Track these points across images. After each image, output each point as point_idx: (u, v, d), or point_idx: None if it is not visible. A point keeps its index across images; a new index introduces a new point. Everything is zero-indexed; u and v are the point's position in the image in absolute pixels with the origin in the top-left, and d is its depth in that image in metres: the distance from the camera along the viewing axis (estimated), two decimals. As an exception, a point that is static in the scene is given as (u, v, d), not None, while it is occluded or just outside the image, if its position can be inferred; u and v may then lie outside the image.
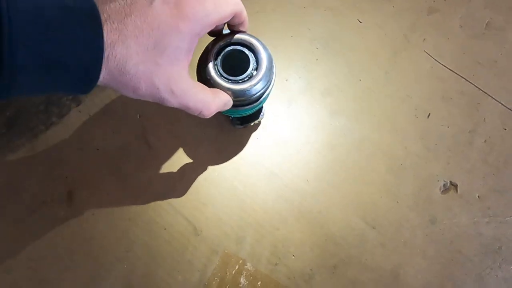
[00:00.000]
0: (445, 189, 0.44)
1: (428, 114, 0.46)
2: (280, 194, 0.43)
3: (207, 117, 0.32)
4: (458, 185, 0.44)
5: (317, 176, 0.44)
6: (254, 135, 0.45)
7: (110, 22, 0.25)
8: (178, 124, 0.45)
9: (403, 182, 0.44)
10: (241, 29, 0.33)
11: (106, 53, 0.25)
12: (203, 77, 0.33)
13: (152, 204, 0.42)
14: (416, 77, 0.48)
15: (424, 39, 0.49)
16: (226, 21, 0.31)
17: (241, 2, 0.31)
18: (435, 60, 0.48)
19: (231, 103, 0.33)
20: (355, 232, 0.42)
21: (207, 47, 0.34)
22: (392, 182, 0.44)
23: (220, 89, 0.32)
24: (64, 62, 0.23)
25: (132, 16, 0.26)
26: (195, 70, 0.34)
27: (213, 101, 0.31)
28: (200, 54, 0.34)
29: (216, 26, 0.32)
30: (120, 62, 0.26)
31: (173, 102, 0.29)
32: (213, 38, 0.34)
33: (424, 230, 0.43)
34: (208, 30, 0.29)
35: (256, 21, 0.48)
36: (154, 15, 0.26)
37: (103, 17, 0.25)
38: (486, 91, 0.47)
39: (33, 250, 0.41)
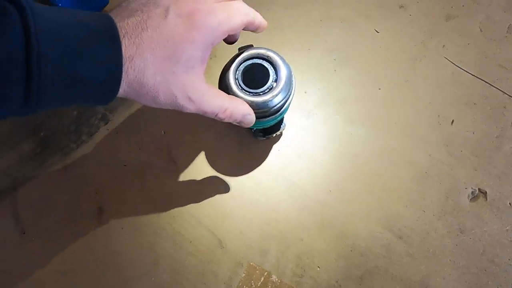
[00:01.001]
0: (474, 197, 0.43)
1: (451, 120, 0.46)
2: (302, 205, 0.43)
3: (224, 120, 0.33)
4: (487, 192, 0.43)
5: (339, 186, 0.44)
6: (275, 147, 0.46)
7: (128, 37, 0.27)
8: (200, 139, 0.46)
9: (429, 191, 0.43)
10: (258, 31, 0.34)
11: (125, 67, 0.26)
12: (226, 92, 0.34)
13: (178, 217, 0.43)
14: (437, 83, 0.47)
15: (444, 46, 0.48)
16: (239, 30, 0.32)
17: (252, 11, 0.32)
18: (456, 66, 0.48)
19: (253, 117, 0.34)
20: (381, 242, 0.42)
21: (226, 64, 0.35)
22: (417, 191, 0.43)
23: None
24: (86, 77, 0.25)
25: (149, 30, 0.27)
26: (217, 85, 0.36)
27: (229, 104, 0.32)
28: (220, 71, 0.36)
29: (230, 36, 0.34)
30: (138, 74, 0.27)
31: (191, 108, 0.30)
32: (233, 54, 0.35)
33: (454, 239, 0.41)
34: (221, 39, 0.31)
35: (273, 37, 0.49)
36: (169, 27, 0.28)
37: (121, 33, 0.26)
38: (511, 95, 0.46)
39: (62, 263, 0.42)
